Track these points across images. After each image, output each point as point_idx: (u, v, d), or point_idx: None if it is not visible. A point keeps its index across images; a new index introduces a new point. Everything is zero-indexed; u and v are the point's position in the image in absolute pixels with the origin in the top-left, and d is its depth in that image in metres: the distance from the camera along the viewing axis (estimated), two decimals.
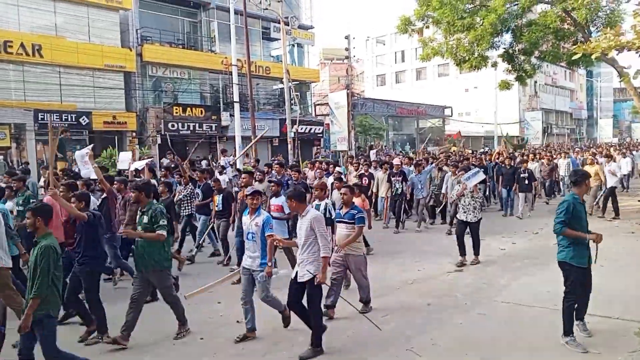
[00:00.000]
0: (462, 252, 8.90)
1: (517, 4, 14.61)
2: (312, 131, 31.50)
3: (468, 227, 8.90)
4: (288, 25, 24.99)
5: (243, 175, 9.22)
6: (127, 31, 24.56)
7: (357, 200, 8.46)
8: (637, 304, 6.44)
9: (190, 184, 10.84)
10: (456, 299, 6.98)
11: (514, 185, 13.96)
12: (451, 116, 46.74)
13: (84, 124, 22.07)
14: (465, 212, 8.90)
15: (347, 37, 30.27)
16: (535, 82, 55.02)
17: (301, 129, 27.83)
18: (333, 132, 30.55)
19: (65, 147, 15.18)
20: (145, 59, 24.81)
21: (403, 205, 12.44)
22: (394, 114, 41.07)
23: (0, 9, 20.67)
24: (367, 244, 10.34)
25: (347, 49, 30.50)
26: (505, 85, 17.45)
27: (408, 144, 43.21)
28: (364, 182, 12.70)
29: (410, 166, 13.82)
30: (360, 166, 13.61)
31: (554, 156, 20.00)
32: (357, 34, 55.62)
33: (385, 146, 34.08)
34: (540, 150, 26.53)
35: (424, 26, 16.67)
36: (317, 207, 7.14)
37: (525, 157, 16.51)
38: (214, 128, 26.43)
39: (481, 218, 9.03)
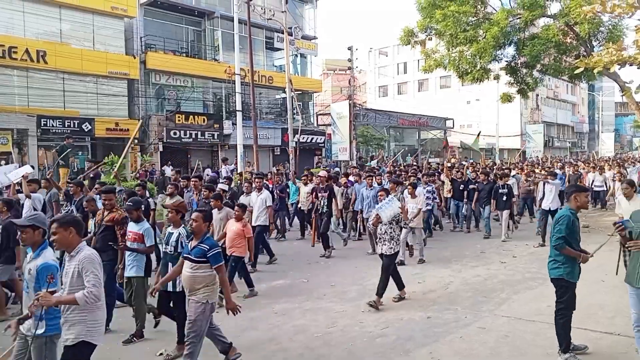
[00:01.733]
0: (398, 285, 7.63)
1: (519, 18, 14.69)
2: (313, 141, 31.57)
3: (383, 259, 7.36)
4: (291, 36, 25.14)
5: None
6: (131, 39, 24.73)
7: (236, 226, 7.77)
8: None
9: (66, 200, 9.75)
10: (456, 313, 6.93)
11: (491, 203, 12.60)
12: (452, 128, 46.82)
13: (86, 130, 22.15)
14: (380, 242, 7.42)
15: (349, 48, 30.38)
16: (537, 95, 55.13)
17: (303, 138, 27.88)
18: (335, 142, 30.60)
19: (67, 153, 15.19)
20: (149, 67, 24.96)
21: (328, 224, 10.91)
22: (396, 124, 41.18)
23: (5, 15, 20.83)
24: (271, 254, 10.45)
25: (349, 60, 30.61)
26: (507, 98, 17.49)
27: (409, 154, 43.21)
28: (312, 199, 11.25)
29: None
30: (314, 179, 12.06)
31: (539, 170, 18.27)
32: (359, 45, 56.11)
33: (386, 157, 34.07)
34: (525, 163, 24.72)
35: (426, 38, 16.75)
36: (169, 236, 5.75)
37: (505, 171, 14.90)
38: (215, 136, 26.52)
39: (398, 251, 7.60)
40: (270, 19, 23.71)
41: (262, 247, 10.31)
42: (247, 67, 22.42)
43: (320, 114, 37.56)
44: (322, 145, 33.07)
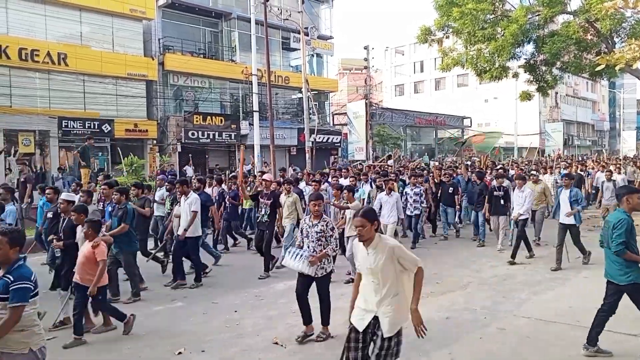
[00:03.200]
0: (306, 319, 5.98)
1: (539, 14, 14.50)
2: (329, 140, 31.58)
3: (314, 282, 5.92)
4: (308, 36, 25.18)
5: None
6: (149, 40, 25.03)
7: (87, 247, 6.14)
8: None
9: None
10: (475, 313, 6.87)
11: (484, 207, 11.41)
12: (470, 126, 46.44)
13: (106, 131, 22.48)
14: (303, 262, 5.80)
15: (366, 48, 30.39)
16: (557, 93, 54.37)
17: (319, 138, 27.92)
18: (351, 142, 30.56)
19: (89, 154, 15.45)
20: (167, 68, 25.23)
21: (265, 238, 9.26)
22: (413, 123, 41.00)
23: (28, 18, 21.24)
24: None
25: (365, 59, 30.60)
26: (526, 96, 17.28)
27: (427, 154, 42.99)
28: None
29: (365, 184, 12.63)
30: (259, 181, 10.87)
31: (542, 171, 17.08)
32: (375, 44, 55.98)
33: (403, 156, 33.92)
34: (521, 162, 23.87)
35: (444, 36, 16.63)
36: None
37: (500, 171, 13.90)
38: (233, 137, 26.68)
39: (332, 271, 6.14)
40: (287, 19, 23.78)
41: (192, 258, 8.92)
42: (264, 67, 22.53)
43: (336, 114, 37.57)
44: (339, 144, 33.06)
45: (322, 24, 33.63)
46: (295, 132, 29.48)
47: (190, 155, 23.73)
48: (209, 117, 26.08)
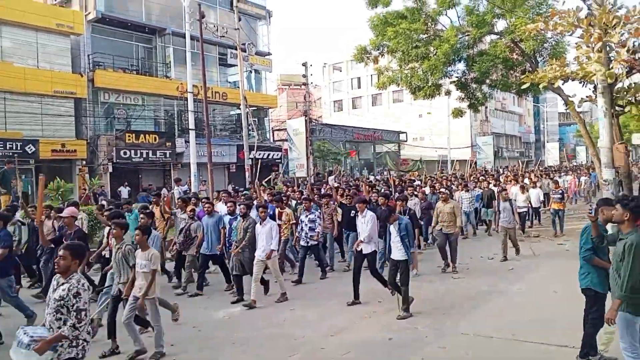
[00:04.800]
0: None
1: (468, 34, 15.09)
2: (270, 157, 31.36)
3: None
4: (245, 52, 24.97)
5: None
6: (78, 57, 23.95)
7: None
8: None
9: None
10: (416, 332, 6.89)
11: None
12: (406, 141, 47.73)
13: (30, 152, 21.15)
14: None
15: (304, 64, 30.52)
16: (486, 107, 56.93)
17: (259, 154, 27.61)
18: (292, 159, 30.48)
19: (9, 178, 14.36)
20: (97, 85, 24.22)
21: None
22: (352, 139, 41.59)
23: None
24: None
25: (304, 76, 30.73)
26: (458, 113, 17.91)
27: (365, 168, 43.67)
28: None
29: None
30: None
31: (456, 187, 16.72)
32: (313, 61, 56.45)
33: (343, 171, 34.25)
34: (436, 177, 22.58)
35: (379, 55, 16.94)
36: None
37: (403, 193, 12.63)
38: (168, 155, 25.90)
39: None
40: (224, 36, 23.49)
41: None
42: (200, 83, 22.08)
43: (276, 130, 37.44)
44: (279, 160, 32.91)
45: (260, 40, 33.54)
46: (234, 148, 29.04)
47: (123, 175, 22.79)
48: (142, 135, 25.15)
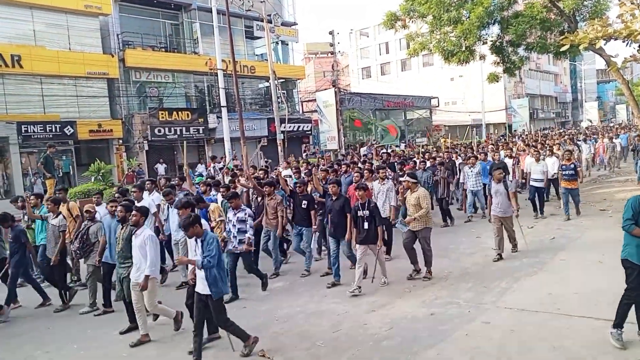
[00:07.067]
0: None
1: None
2: (300, 129, 31.34)
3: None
4: (271, 23, 24.69)
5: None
6: (108, 37, 24.18)
7: None
8: None
9: None
10: (459, 307, 6.89)
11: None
12: (438, 106, 46.79)
13: (68, 134, 21.73)
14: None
15: (331, 33, 29.96)
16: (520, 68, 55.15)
17: (289, 127, 27.61)
18: (322, 131, 30.35)
19: (52, 163, 14.83)
20: (128, 65, 24.47)
21: None
22: (381, 107, 40.99)
23: None
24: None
25: (331, 45, 30.22)
26: (494, 78, 17.36)
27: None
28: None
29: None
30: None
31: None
32: (339, 27, 55.46)
33: (375, 140, 33.95)
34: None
35: (410, 21, 16.50)
36: None
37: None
38: (201, 131, 26.19)
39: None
40: (249, 10, 23.24)
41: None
42: (228, 58, 22.02)
43: (305, 101, 37.24)
44: (309, 132, 32.86)
45: (285, 10, 33.10)
46: (265, 122, 29.11)
47: (158, 152, 23.21)
48: (174, 113, 25.47)
